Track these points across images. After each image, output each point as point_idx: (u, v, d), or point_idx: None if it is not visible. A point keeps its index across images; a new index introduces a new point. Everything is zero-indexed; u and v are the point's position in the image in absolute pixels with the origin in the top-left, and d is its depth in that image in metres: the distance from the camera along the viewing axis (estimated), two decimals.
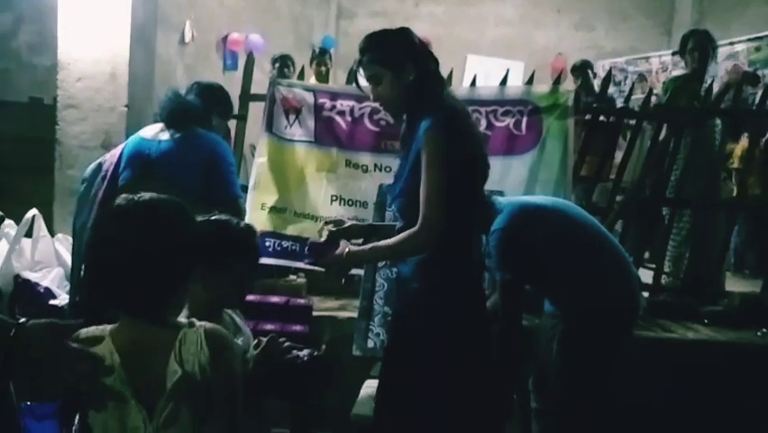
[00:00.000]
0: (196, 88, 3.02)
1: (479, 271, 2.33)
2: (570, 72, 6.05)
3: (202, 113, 2.89)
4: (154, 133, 2.85)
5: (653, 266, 4.11)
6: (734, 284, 4.47)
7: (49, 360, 1.31)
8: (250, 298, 3.52)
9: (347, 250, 2.18)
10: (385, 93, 2.19)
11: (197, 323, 1.50)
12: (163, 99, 2.90)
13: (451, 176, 2.04)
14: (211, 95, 3.02)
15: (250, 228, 2.05)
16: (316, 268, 2.58)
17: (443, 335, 2.11)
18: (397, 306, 2.43)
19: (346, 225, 2.38)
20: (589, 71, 5.82)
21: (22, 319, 1.32)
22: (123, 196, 1.51)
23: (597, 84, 5.57)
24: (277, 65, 5.32)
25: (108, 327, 1.46)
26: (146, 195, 1.50)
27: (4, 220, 2.32)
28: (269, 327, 3.38)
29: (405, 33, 2.22)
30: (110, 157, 2.89)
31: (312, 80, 5.39)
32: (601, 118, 4.03)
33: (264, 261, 3.39)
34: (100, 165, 2.90)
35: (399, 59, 2.15)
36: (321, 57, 5.59)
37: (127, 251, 1.41)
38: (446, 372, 2.12)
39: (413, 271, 2.18)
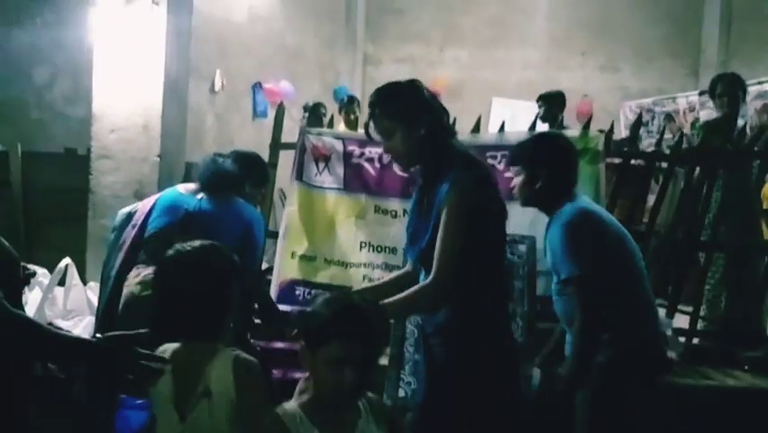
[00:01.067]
0: (233, 156, 3.05)
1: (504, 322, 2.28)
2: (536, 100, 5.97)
3: (237, 180, 2.90)
4: (192, 190, 2.87)
5: (690, 310, 4.01)
6: None
7: (119, 368, 1.66)
8: (278, 345, 3.51)
9: None
10: (396, 146, 2.20)
11: (236, 351, 1.78)
12: (201, 164, 2.93)
13: (466, 237, 2.06)
14: (247, 163, 3.04)
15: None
16: None
17: (472, 388, 2.10)
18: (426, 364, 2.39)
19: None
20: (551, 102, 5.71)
21: (98, 335, 1.69)
22: (181, 244, 1.89)
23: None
24: (306, 114, 5.39)
25: (173, 346, 1.82)
26: (197, 242, 1.89)
27: (35, 275, 2.34)
28: (298, 375, 3.35)
29: (415, 87, 2.23)
30: (142, 207, 2.92)
31: (341, 127, 5.45)
32: (633, 162, 3.99)
33: (293, 309, 3.39)
34: (131, 214, 2.92)
35: (410, 113, 2.16)
36: (350, 105, 5.67)
37: (186, 289, 1.79)
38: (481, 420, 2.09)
39: (435, 332, 2.21)
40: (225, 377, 1.72)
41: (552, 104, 5.41)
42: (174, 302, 1.80)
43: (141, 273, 2.67)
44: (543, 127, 4.89)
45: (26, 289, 3.12)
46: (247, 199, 2.92)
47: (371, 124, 2.23)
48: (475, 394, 2.09)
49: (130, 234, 2.83)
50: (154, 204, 2.86)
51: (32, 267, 2.23)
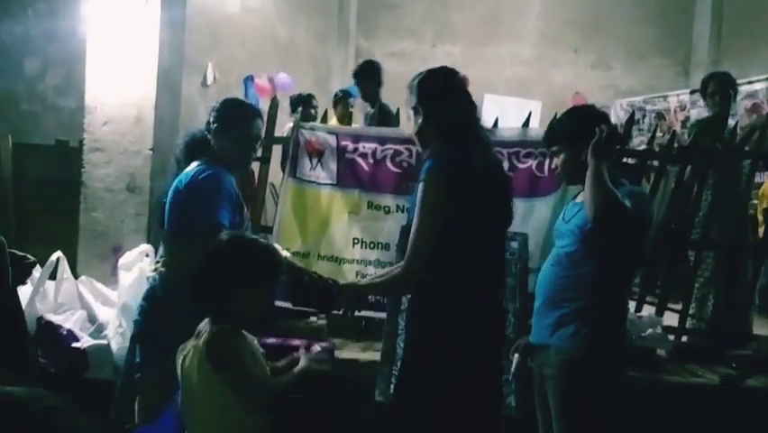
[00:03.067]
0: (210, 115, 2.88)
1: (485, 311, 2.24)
2: None
3: (208, 138, 2.71)
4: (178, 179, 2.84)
5: (679, 308, 4.04)
6: (760, 326, 4.38)
7: None
8: (271, 340, 3.51)
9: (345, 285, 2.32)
10: (414, 130, 2.31)
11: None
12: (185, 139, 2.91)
13: (437, 224, 2.09)
14: (214, 116, 2.72)
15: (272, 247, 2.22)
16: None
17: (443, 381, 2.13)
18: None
19: None
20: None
21: None
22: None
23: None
24: (300, 108, 5.36)
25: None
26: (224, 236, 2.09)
27: (35, 265, 2.33)
28: None
29: (429, 76, 2.31)
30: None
31: (334, 121, 5.44)
32: (625, 160, 4.01)
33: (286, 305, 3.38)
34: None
35: (424, 102, 2.25)
36: (344, 99, 5.66)
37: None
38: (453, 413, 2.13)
39: (407, 324, 2.29)
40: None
41: None
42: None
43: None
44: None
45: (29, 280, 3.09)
46: (228, 153, 2.67)
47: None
48: (432, 383, 2.13)
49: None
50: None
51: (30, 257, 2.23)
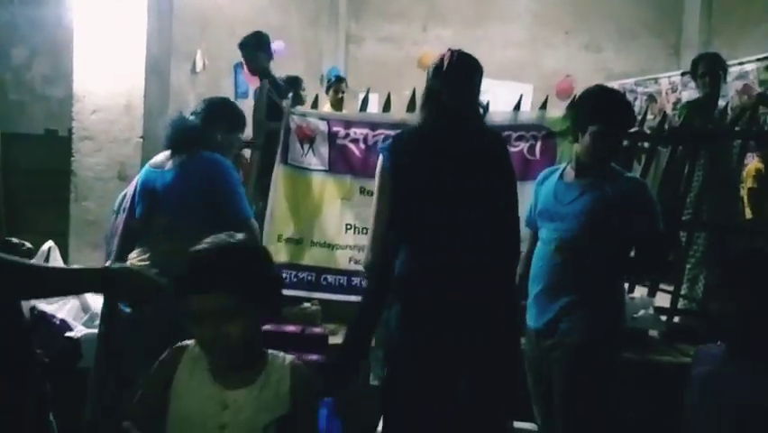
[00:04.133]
0: (198, 106, 2.93)
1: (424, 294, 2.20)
2: None
3: (202, 131, 2.77)
4: (160, 162, 2.80)
5: (671, 289, 4.07)
6: None
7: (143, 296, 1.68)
8: (265, 327, 3.52)
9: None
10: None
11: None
12: (167, 125, 2.88)
13: (381, 213, 2.16)
14: (211, 111, 2.87)
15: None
16: None
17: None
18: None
19: None
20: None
21: (108, 263, 1.69)
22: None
23: None
24: (290, 94, 5.33)
25: None
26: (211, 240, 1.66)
27: (32, 253, 2.33)
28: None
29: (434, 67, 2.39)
30: (129, 189, 2.89)
31: (327, 106, 5.42)
32: None
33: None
34: (125, 196, 2.90)
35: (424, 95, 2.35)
36: (337, 83, 5.64)
37: None
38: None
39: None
40: None
41: None
42: None
43: (130, 257, 2.66)
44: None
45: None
46: (221, 148, 2.79)
47: None
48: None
49: (121, 219, 2.81)
50: (136, 186, 2.84)
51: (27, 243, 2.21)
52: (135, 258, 2.65)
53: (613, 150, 2.48)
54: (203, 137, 2.75)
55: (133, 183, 2.88)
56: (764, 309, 1.71)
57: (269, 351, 1.64)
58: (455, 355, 2.17)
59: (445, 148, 2.20)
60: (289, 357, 1.64)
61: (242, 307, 1.48)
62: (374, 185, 2.22)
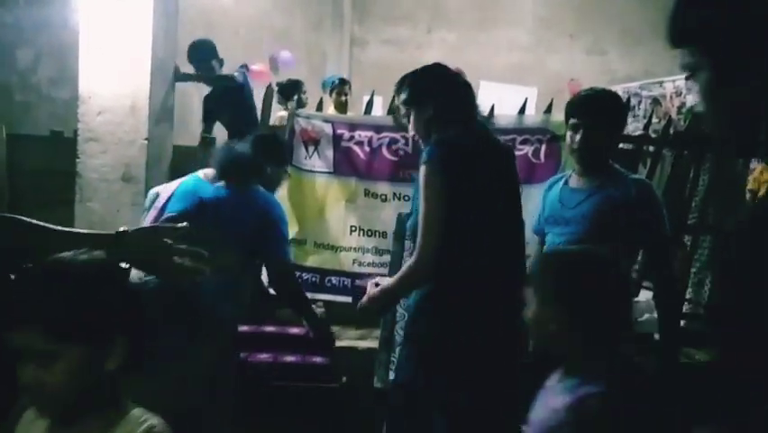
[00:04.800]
0: (251, 140, 3.01)
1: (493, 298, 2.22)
2: None
3: (254, 164, 2.83)
4: (212, 177, 2.84)
5: None
6: None
7: (156, 256, 1.58)
8: (269, 329, 3.52)
9: (366, 297, 2.29)
10: (413, 128, 2.38)
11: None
12: (216, 152, 2.89)
13: (441, 208, 2.09)
14: (264, 145, 2.97)
15: None
16: None
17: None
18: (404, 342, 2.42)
19: None
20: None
21: (123, 228, 1.57)
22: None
23: None
24: (295, 96, 5.34)
25: None
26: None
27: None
28: (289, 358, 3.37)
29: (426, 72, 2.37)
30: (166, 189, 2.88)
31: (331, 109, 5.43)
32: (621, 145, 4.00)
33: None
34: (158, 195, 2.90)
35: (418, 97, 2.33)
36: (341, 86, 5.65)
37: None
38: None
39: (414, 307, 2.26)
40: None
41: None
42: None
43: None
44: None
45: None
46: (269, 181, 2.88)
47: (398, 110, 2.45)
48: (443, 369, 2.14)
49: (150, 215, 2.81)
50: (176, 188, 2.84)
51: None
52: None
53: (593, 146, 2.45)
54: (254, 169, 2.81)
55: (172, 184, 2.86)
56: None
57: (135, 408, 1.29)
58: (508, 356, 2.22)
59: (488, 157, 2.27)
60: (152, 421, 1.26)
61: (62, 350, 1.16)
62: (403, 188, 2.21)
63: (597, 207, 2.43)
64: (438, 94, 2.30)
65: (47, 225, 1.63)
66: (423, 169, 2.14)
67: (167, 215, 2.70)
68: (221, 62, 4.89)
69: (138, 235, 1.60)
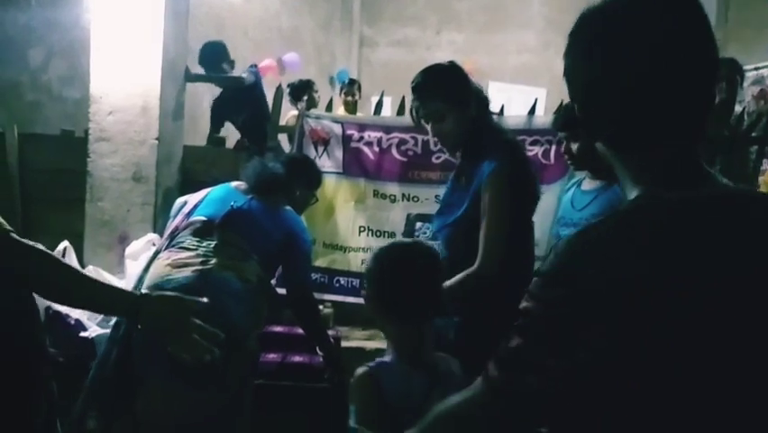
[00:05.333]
0: (283, 159, 3.05)
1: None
2: None
3: (286, 183, 2.88)
4: (244, 189, 2.84)
5: None
6: None
7: (173, 329, 1.57)
8: (277, 329, 3.53)
9: None
10: (448, 129, 2.25)
11: None
12: (248, 166, 2.89)
13: (511, 219, 2.13)
14: (297, 166, 3.03)
15: None
16: None
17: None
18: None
19: None
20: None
21: (145, 291, 1.61)
22: None
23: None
24: (305, 97, 5.34)
25: None
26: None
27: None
28: (297, 359, 3.37)
29: (458, 67, 2.29)
30: (193, 198, 2.88)
31: (341, 110, 5.44)
32: None
33: None
34: (185, 203, 2.89)
35: (461, 94, 2.22)
36: (350, 87, 5.66)
37: None
38: None
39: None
40: None
41: None
42: None
43: (171, 256, 2.61)
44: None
45: None
46: (297, 203, 2.93)
47: (418, 108, 2.27)
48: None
49: (177, 221, 2.79)
50: (206, 195, 2.83)
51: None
52: (166, 259, 2.57)
53: (581, 154, 2.49)
54: (285, 189, 2.86)
55: (200, 193, 2.85)
56: None
57: None
58: None
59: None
60: None
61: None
62: (496, 203, 2.14)
63: (600, 209, 2.45)
64: (477, 95, 2.26)
65: (77, 270, 1.64)
66: (496, 179, 2.11)
67: (194, 218, 2.70)
68: (232, 64, 4.92)
69: (160, 303, 1.62)
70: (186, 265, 2.45)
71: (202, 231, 2.60)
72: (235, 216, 2.64)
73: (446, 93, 2.21)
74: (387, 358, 1.71)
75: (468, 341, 2.19)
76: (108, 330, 3.45)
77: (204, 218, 2.64)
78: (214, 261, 2.47)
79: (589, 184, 2.60)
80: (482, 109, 2.27)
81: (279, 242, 2.66)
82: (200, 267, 2.44)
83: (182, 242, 2.58)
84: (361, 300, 3.63)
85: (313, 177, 3.14)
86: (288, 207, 2.81)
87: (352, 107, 5.53)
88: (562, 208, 2.72)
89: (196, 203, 2.77)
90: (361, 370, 1.66)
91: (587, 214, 2.49)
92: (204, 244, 2.55)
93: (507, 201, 2.12)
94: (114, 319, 3.50)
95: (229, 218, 2.63)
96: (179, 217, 2.75)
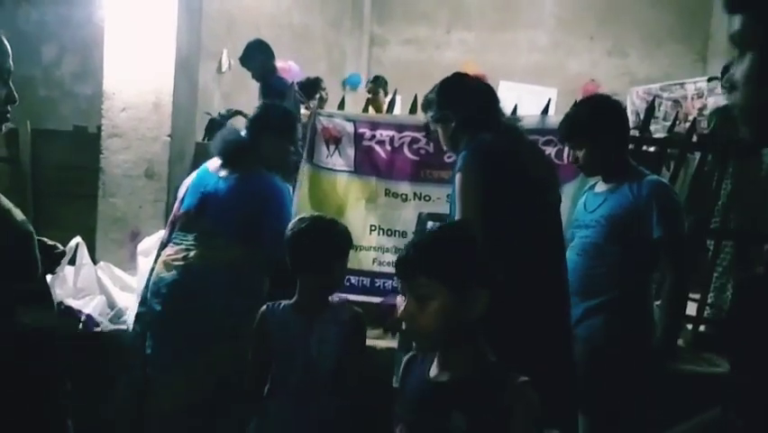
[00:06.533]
0: (248, 119, 2.95)
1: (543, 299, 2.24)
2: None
3: (251, 145, 2.77)
4: (216, 167, 2.83)
5: (697, 297, 4.02)
6: None
7: None
8: None
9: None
10: (441, 141, 2.47)
11: None
12: (214, 140, 2.89)
13: (476, 213, 2.11)
14: (253, 121, 2.84)
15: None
16: None
17: None
18: None
19: None
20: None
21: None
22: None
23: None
24: (317, 95, 5.35)
25: None
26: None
27: (64, 255, 2.34)
28: None
29: (448, 84, 2.42)
30: (185, 182, 2.91)
31: (370, 109, 5.46)
32: (644, 148, 3.97)
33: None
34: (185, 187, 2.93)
35: (443, 110, 2.39)
36: (370, 84, 5.68)
37: None
38: None
39: None
40: None
41: None
42: None
43: (167, 253, 2.68)
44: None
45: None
46: (273, 159, 2.78)
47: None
48: None
49: (175, 207, 2.85)
50: (192, 180, 2.87)
51: (60, 247, 2.23)
52: (165, 255, 2.67)
53: (588, 162, 2.56)
54: (253, 151, 2.75)
55: (192, 176, 2.89)
56: None
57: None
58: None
59: (523, 158, 2.31)
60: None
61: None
62: (460, 199, 2.19)
63: (610, 210, 2.48)
64: (458, 105, 2.34)
65: None
66: (458, 177, 2.17)
67: (181, 211, 2.77)
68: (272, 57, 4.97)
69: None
70: (174, 262, 2.59)
71: (186, 224, 2.68)
72: (206, 201, 2.68)
73: (432, 114, 2.44)
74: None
75: None
76: (120, 326, 3.49)
77: (185, 211, 2.70)
78: (194, 253, 2.57)
79: (600, 186, 2.62)
80: (469, 119, 2.32)
81: (247, 211, 2.61)
82: (182, 262, 2.57)
83: (175, 237, 2.70)
84: (373, 299, 3.67)
85: (277, 123, 2.86)
86: (264, 173, 2.70)
87: (374, 105, 5.52)
88: (576, 211, 2.72)
89: (185, 191, 2.81)
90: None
91: (597, 216, 2.52)
92: (187, 238, 2.65)
93: (470, 195, 2.14)
94: (124, 316, 3.53)
95: (202, 206, 2.68)
96: (176, 205, 2.82)
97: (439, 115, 2.39)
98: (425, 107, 2.49)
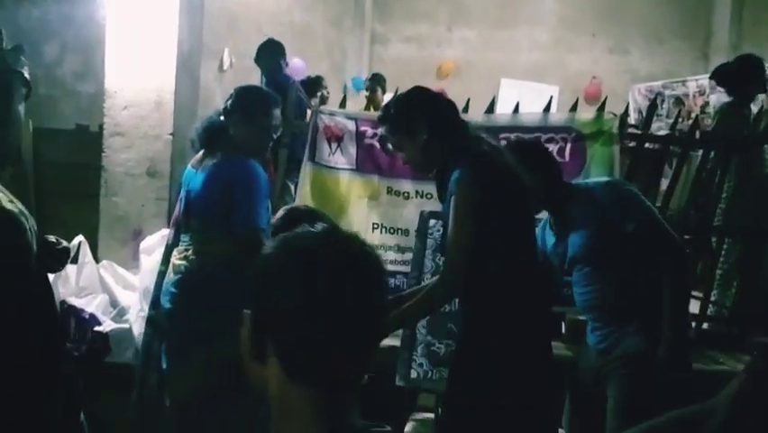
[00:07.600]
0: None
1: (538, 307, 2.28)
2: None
3: (225, 129, 2.68)
4: (196, 162, 2.81)
5: (700, 295, 4.02)
6: None
7: None
8: None
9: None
10: (408, 156, 2.36)
11: None
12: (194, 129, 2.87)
13: (471, 231, 2.11)
14: (226, 106, 2.72)
15: None
16: None
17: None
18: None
19: None
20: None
21: None
22: None
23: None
24: (319, 93, 5.35)
25: None
26: None
27: (69, 253, 2.34)
28: None
29: (410, 97, 2.36)
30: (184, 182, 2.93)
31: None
32: (647, 145, 3.97)
33: None
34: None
35: (409, 123, 2.29)
36: (368, 82, 5.70)
37: None
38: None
39: (462, 331, 2.33)
40: None
41: None
42: None
43: (174, 255, 2.75)
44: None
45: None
46: (248, 143, 2.67)
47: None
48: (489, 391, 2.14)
49: (177, 208, 2.89)
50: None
51: (64, 242, 2.24)
52: (176, 257, 2.71)
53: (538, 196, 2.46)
54: (227, 135, 2.67)
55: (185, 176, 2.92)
56: None
57: None
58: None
59: (512, 173, 2.27)
60: None
61: None
62: (455, 215, 2.16)
63: (577, 243, 2.45)
64: (428, 116, 2.28)
65: None
66: (456, 188, 2.13)
67: (177, 213, 2.84)
68: (286, 63, 4.98)
69: None
70: (177, 262, 2.65)
71: (183, 226, 2.75)
72: (189, 199, 2.72)
73: (393, 126, 2.34)
74: None
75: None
76: (123, 325, 3.50)
77: (178, 213, 2.78)
78: (191, 251, 2.62)
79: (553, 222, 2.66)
80: (440, 129, 2.26)
81: (224, 200, 2.55)
82: (184, 262, 2.61)
83: (180, 239, 2.75)
84: None
85: (248, 105, 2.69)
86: (240, 157, 2.60)
87: (372, 104, 5.53)
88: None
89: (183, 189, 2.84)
90: None
91: (562, 254, 2.53)
92: (185, 239, 2.70)
93: (469, 209, 2.11)
94: (126, 315, 3.53)
95: (188, 205, 2.73)
96: (177, 205, 2.88)
97: (405, 125, 2.29)
98: (384, 120, 2.36)
